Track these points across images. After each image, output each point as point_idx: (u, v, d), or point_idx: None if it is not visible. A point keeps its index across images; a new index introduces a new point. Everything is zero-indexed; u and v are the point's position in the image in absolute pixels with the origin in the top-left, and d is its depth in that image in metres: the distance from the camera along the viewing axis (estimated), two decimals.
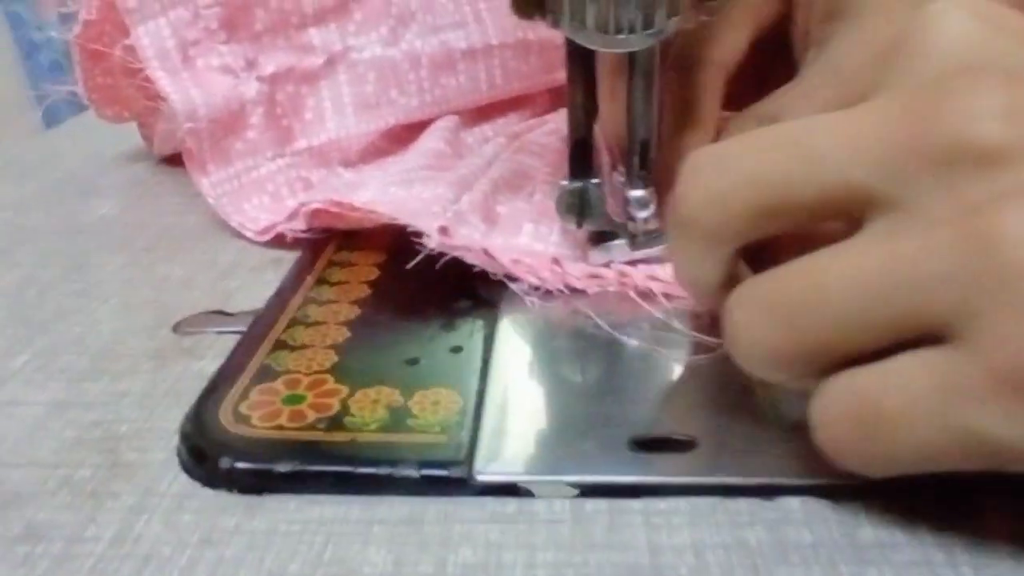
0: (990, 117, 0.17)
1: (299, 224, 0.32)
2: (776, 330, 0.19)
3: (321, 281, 0.30)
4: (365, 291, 0.29)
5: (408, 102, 0.38)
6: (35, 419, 0.24)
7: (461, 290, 0.29)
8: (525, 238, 0.31)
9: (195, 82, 0.35)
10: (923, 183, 0.17)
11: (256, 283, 0.31)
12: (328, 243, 0.33)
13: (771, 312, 0.19)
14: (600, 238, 0.29)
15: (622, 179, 0.29)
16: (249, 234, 0.34)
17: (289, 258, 0.33)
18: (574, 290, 0.28)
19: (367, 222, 0.30)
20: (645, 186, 0.29)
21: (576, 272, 0.29)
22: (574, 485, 0.20)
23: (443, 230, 0.29)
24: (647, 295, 0.28)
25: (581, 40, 0.26)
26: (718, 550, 0.19)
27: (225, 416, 0.22)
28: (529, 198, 0.33)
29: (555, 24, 0.26)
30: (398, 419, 0.22)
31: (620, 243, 0.29)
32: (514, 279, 0.28)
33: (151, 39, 0.34)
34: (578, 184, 0.28)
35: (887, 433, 0.17)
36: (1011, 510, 0.19)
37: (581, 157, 0.28)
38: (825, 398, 0.19)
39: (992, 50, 0.19)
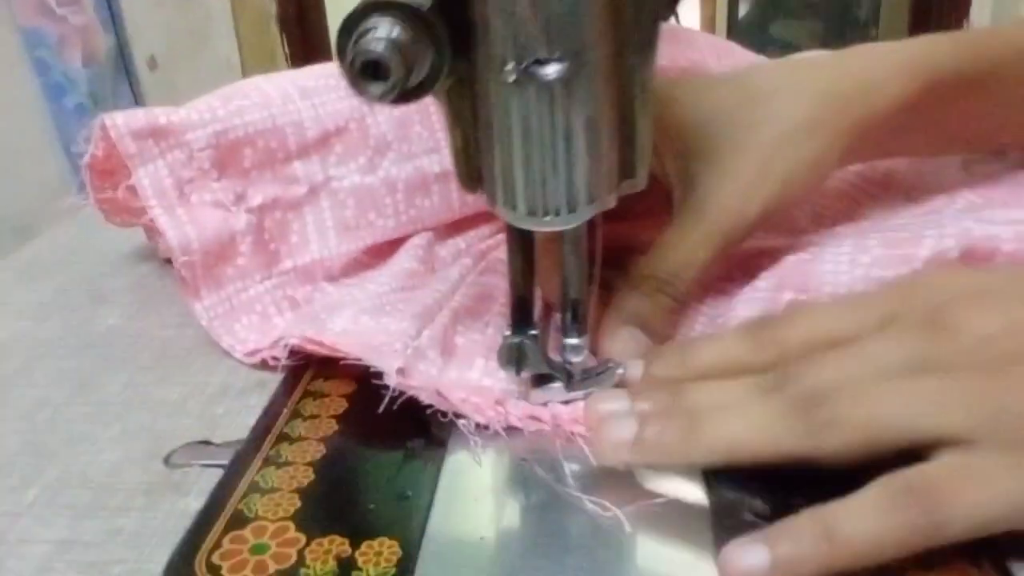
0: None
1: (280, 353, 0.36)
2: None
3: (295, 415, 0.34)
4: (333, 427, 0.33)
5: (385, 223, 0.42)
6: (41, 559, 0.28)
7: (416, 427, 0.32)
8: (476, 373, 0.34)
9: (189, 217, 0.39)
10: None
11: (241, 409, 0.35)
12: (306, 369, 0.37)
13: None
14: (541, 380, 0.33)
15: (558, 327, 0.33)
16: (237, 355, 0.38)
17: (273, 380, 0.37)
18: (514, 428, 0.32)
19: (338, 356, 0.34)
20: (578, 335, 0.32)
21: (516, 413, 0.32)
22: None
23: (400, 371, 0.33)
24: (574, 437, 0.31)
25: (513, 221, 0.30)
26: None
27: (200, 567, 0.26)
28: (484, 329, 0.37)
29: (491, 205, 0.30)
30: (345, 571, 0.26)
31: (557, 385, 0.33)
32: (462, 416, 0.32)
33: (150, 180, 0.38)
34: (516, 340, 0.32)
35: None
36: None
37: (520, 313, 0.32)
38: None
39: None
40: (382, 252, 0.43)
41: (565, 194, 0.29)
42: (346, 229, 0.42)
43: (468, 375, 0.34)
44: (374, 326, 0.36)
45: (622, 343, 0.34)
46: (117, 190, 0.39)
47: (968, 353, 0.27)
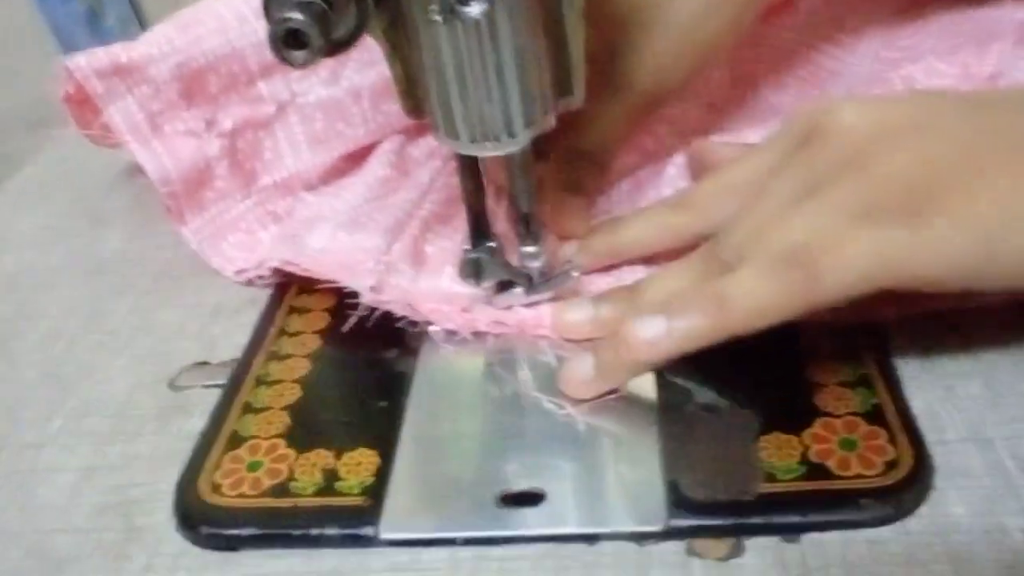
0: None
1: (265, 273, 0.39)
2: None
3: (282, 332, 0.37)
4: (316, 342, 0.36)
5: (355, 132, 0.44)
6: (71, 486, 0.32)
7: (391, 337, 0.35)
8: (446, 280, 0.37)
9: (165, 149, 0.40)
10: None
11: (235, 328, 0.38)
12: (291, 285, 0.39)
13: None
14: (503, 286, 0.35)
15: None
16: (228, 275, 0.41)
17: (262, 296, 0.40)
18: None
19: (315, 278, 0.37)
20: (534, 243, 0.34)
21: (484, 318, 0.35)
22: (450, 540, 0.28)
23: (373, 288, 0.35)
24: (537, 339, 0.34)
25: (457, 149, 0.31)
26: None
27: (204, 487, 0.30)
28: (453, 235, 0.39)
29: (435, 135, 0.32)
30: (329, 482, 0.30)
31: (519, 290, 0.35)
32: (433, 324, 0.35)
33: (122, 116, 0.40)
34: (473, 255, 0.34)
35: None
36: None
37: (477, 228, 0.34)
38: None
39: None
40: (358, 157, 0.45)
41: (503, 121, 0.30)
42: (318, 142, 0.43)
43: (438, 283, 0.37)
44: (349, 243, 0.38)
45: (565, 213, 0.38)
46: (93, 127, 0.41)
47: (839, 153, 0.29)
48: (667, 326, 0.29)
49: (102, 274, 0.43)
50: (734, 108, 0.45)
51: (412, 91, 0.32)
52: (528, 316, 0.35)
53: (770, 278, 0.28)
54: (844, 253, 0.27)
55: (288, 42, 0.26)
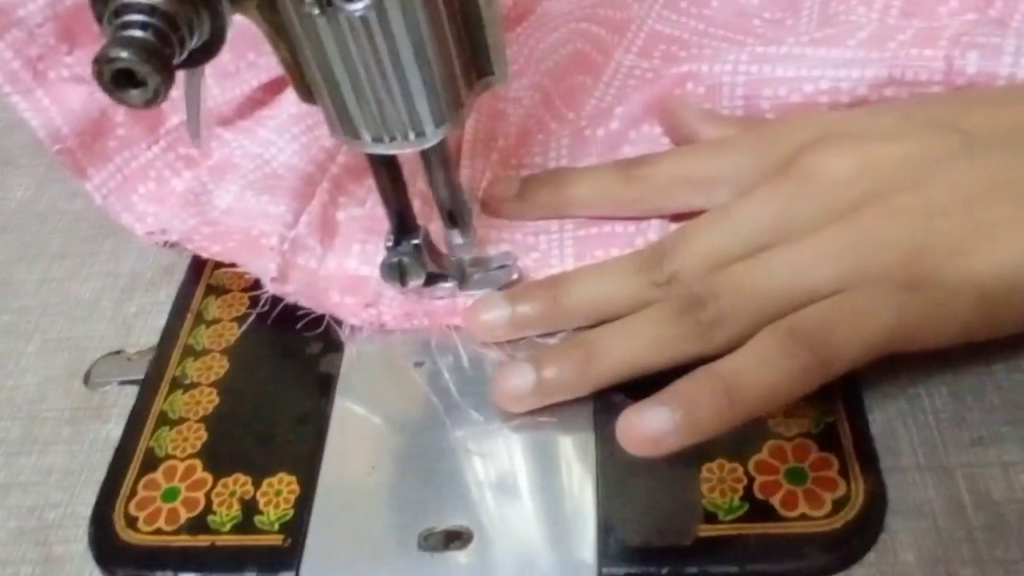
0: None
1: (171, 239, 0.35)
2: None
3: (198, 320, 0.34)
4: (235, 334, 0.33)
5: (268, 61, 0.38)
6: None
7: (315, 325, 0.32)
8: (354, 261, 0.34)
9: (52, 99, 0.35)
10: None
11: (152, 306, 0.36)
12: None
13: None
14: (433, 279, 0.32)
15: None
16: (139, 234, 0.37)
17: (180, 265, 0.37)
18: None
19: (220, 257, 0.34)
20: (462, 236, 0.31)
21: (391, 312, 0.32)
22: None
23: (275, 279, 0.32)
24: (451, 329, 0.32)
25: (361, 149, 0.27)
26: None
27: (119, 520, 0.29)
28: (364, 202, 0.35)
29: (333, 134, 0.27)
30: (248, 517, 0.28)
31: (450, 284, 0.32)
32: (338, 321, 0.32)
33: None
34: (394, 258, 0.30)
35: None
36: None
37: (399, 226, 0.30)
38: None
39: None
40: (276, 86, 0.40)
41: (408, 120, 0.26)
42: (226, 75, 0.38)
43: (346, 264, 0.34)
44: (255, 205, 0.35)
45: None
46: None
47: (826, 202, 0.28)
48: (673, 419, 0.25)
49: (6, 232, 0.40)
50: None
51: (303, 79, 0.27)
52: (439, 307, 0.32)
53: (781, 359, 0.25)
54: (859, 328, 0.25)
55: (121, 83, 0.21)
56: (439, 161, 0.28)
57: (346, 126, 0.26)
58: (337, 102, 0.26)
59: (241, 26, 0.37)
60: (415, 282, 0.31)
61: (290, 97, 0.39)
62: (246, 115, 0.40)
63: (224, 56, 0.36)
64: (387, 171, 0.29)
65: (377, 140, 0.26)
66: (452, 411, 0.30)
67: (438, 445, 0.29)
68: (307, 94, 0.27)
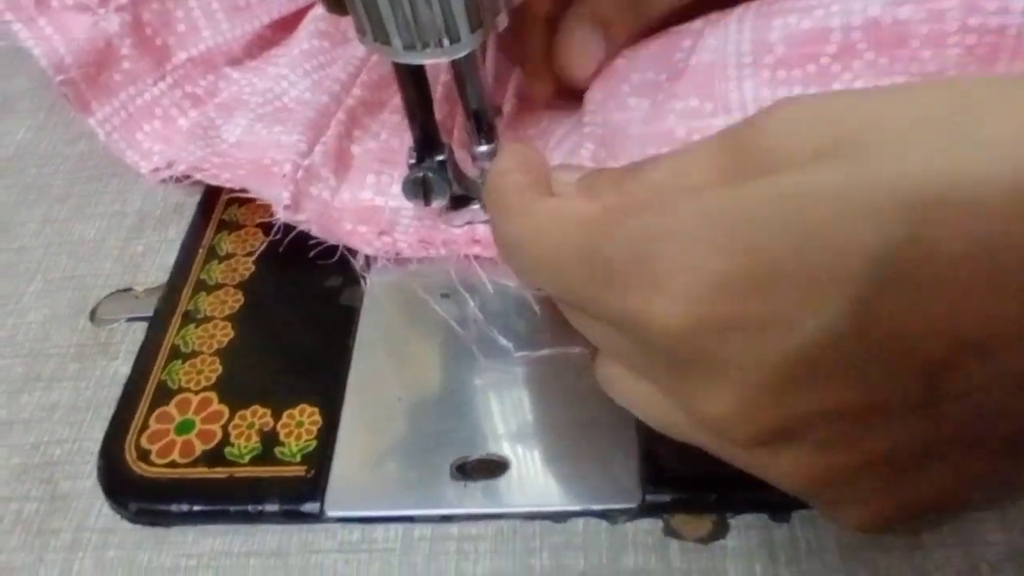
0: None
1: (178, 174, 0.34)
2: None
3: (211, 255, 0.33)
4: (249, 268, 0.32)
5: None
6: None
7: (333, 258, 0.31)
8: (368, 192, 0.32)
9: (55, 27, 0.34)
10: None
11: (160, 243, 0.34)
12: (220, 193, 0.34)
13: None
14: (458, 202, 0.31)
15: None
16: (143, 172, 0.35)
17: (190, 204, 0.35)
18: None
19: (228, 187, 0.32)
20: (487, 142, 0.29)
21: (406, 240, 0.31)
22: (402, 518, 0.25)
23: (288, 207, 0.30)
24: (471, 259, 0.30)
25: (391, 57, 0.26)
26: None
27: (130, 453, 0.27)
28: (379, 134, 0.34)
29: (362, 41, 0.26)
30: (268, 448, 0.27)
31: (476, 207, 0.30)
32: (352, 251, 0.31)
33: None
34: (419, 173, 0.29)
35: None
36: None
37: (423, 143, 0.29)
38: None
39: None
40: (287, 24, 0.39)
41: (443, 25, 0.24)
42: (236, 10, 0.37)
43: (360, 195, 0.32)
44: (267, 137, 0.34)
45: (579, 44, 0.31)
46: None
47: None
48: None
49: (5, 175, 0.38)
50: None
51: None
52: (458, 235, 0.31)
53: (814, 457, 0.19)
54: None
55: None
56: (470, 67, 0.26)
57: (377, 30, 0.25)
58: (369, 6, 0.24)
59: None
60: (439, 201, 0.29)
61: (300, 35, 0.37)
62: (255, 55, 0.38)
63: None
64: (414, 83, 0.27)
65: (409, 47, 0.25)
66: (483, 342, 0.28)
67: (468, 376, 0.28)
68: (335, 3, 0.26)
